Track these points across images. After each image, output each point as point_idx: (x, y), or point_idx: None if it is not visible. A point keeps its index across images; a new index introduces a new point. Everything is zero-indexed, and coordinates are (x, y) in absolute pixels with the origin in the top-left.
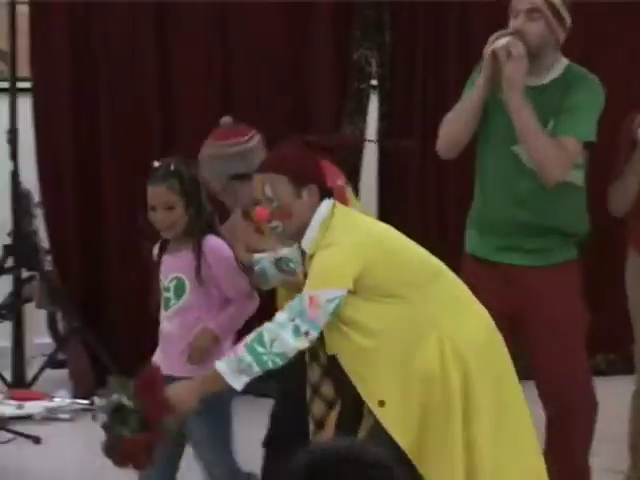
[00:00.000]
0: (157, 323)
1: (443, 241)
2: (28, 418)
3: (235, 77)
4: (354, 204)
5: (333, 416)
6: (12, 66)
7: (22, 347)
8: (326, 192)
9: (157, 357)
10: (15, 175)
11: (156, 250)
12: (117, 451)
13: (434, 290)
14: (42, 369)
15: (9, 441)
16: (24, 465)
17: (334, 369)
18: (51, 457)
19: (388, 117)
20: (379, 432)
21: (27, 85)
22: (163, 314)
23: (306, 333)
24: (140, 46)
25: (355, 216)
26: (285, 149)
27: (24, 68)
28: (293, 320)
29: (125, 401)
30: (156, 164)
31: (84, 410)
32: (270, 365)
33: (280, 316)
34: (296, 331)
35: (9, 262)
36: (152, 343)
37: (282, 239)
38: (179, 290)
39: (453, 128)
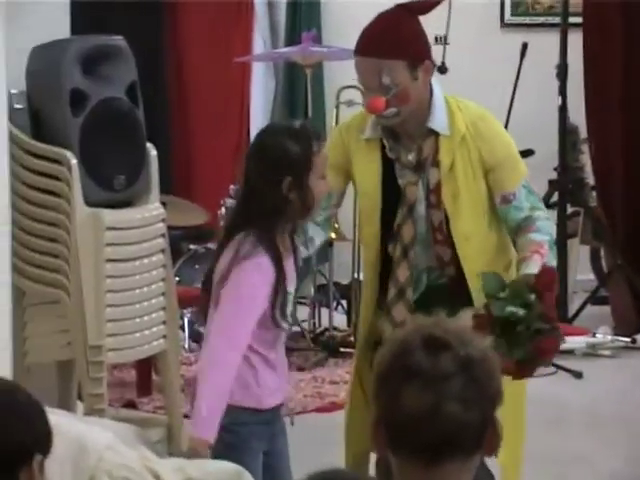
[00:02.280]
0: None
1: None
2: (570, 352)
3: None
4: None
5: None
6: (565, 1)
7: (565, 282)
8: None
9: (279, 388)
10: (563, 110)
11: (268, 249)
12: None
13: None
14: (584, 305)
15: (552, 374)
16: (565, 397)
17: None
18: (591, 392)
19: None
20: None
21: (578, 20)
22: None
23: None
24: None
25: None
26: (395, 27)
27: (577, 2)
28: (545, 211)
29: (531, 300)
30: (297, 124)
31: (625, 348)
32: None
33: (539, 213)
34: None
35: (554, 197)
36: None
37: (393, 123)
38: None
39: None
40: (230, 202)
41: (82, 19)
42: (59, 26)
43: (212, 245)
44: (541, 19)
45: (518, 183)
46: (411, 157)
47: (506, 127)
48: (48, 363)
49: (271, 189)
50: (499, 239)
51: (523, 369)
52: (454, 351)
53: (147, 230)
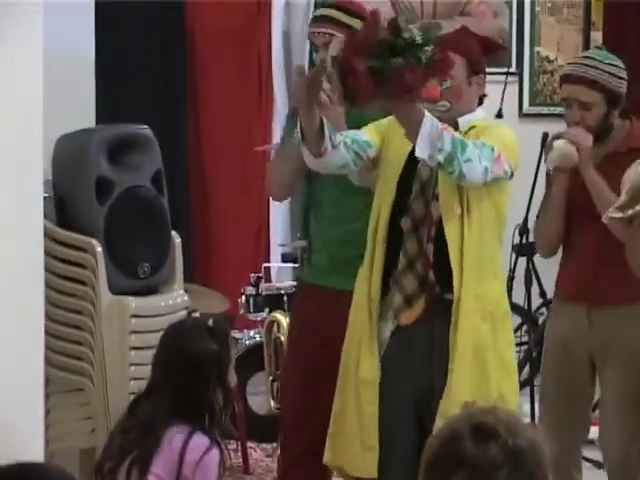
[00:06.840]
0: None
1: None
2: (591, 442)
3: None
4: None
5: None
6: None
7: None
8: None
9: None
10: None
11: None
12: (391, 77)
13: None
14: None
15: None
16: None
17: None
18: None
19: None
20: None
21: None
22: None
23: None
24: None
25: None
26: (464, 33)
27: None
28: (487, 162)
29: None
30: (211, 321)
31: None
32: (449, 169)
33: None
34: (485, 172)
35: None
36: None
37: (442, 119)
38: None
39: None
40: (250, 290)
41: (107, 108)
42: (85, 115)
43: (233, 332)
44: (559, 109)
45: (495, 146)
46: None
47: (527, 217)
48: (71, 450)
49: (199, 388)
50: (487, 244)
51: (376, 81)
52: (503, 440)
53: (171, 317)
